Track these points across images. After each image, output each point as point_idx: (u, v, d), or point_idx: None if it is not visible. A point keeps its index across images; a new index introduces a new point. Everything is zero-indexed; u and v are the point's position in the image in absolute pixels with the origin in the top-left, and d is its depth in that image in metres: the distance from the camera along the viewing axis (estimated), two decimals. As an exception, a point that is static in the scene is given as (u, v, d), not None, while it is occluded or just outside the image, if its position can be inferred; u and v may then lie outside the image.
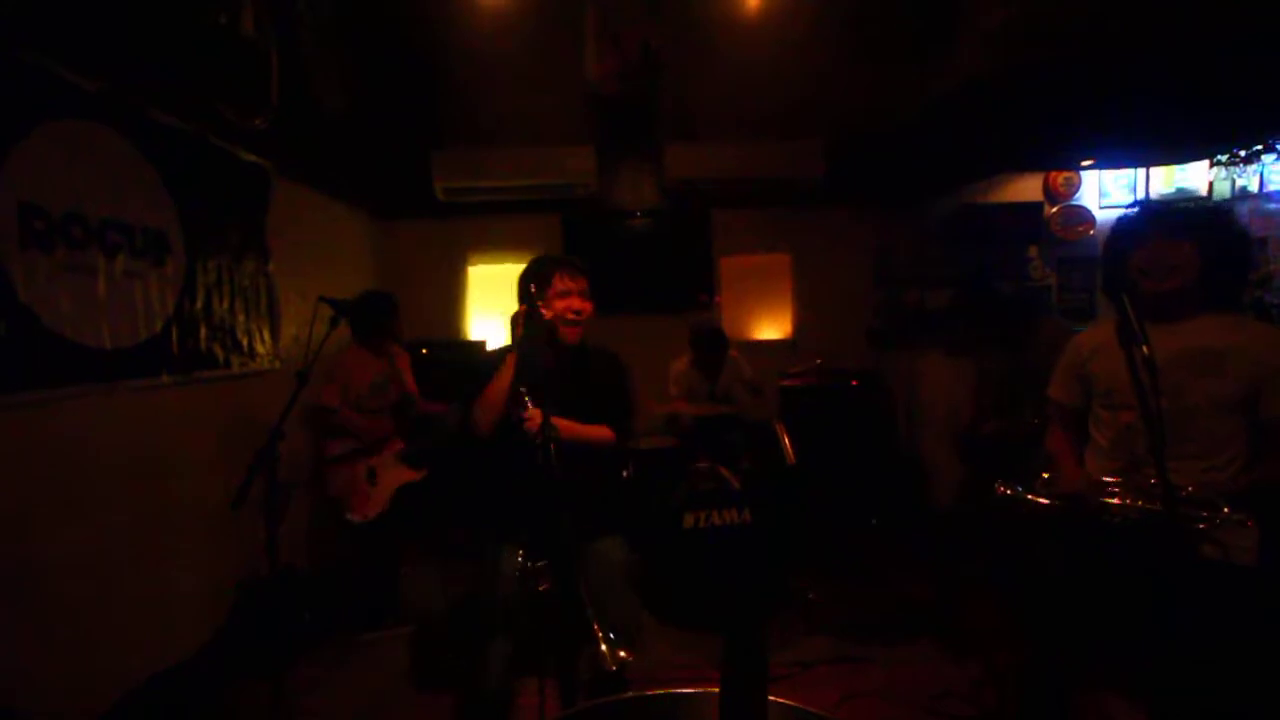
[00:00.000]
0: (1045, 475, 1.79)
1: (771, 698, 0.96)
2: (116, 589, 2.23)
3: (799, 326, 5.10)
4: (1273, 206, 3.92)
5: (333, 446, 3.22)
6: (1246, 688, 1.48)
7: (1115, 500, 1.58)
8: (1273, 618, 1.48)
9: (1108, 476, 1.65)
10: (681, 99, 4.41)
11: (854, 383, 4.49)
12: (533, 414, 1.75)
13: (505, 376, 1.83)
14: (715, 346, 3.73)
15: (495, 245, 4.94)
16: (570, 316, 1.91)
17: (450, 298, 4.96)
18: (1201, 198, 4.26)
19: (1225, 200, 4.26)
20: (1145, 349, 1.29)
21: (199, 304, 2.67)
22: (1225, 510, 1.45)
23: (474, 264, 4.99)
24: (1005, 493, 1.78)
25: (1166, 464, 1.29)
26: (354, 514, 3.15)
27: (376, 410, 3.27)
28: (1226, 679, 1.48)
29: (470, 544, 3.35)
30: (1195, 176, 4.37)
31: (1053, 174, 4.53)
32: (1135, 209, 1.70)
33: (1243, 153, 3.96)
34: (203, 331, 2.69)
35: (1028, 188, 4.57)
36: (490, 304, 4.98)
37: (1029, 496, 1.75)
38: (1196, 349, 1.55)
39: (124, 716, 2.16)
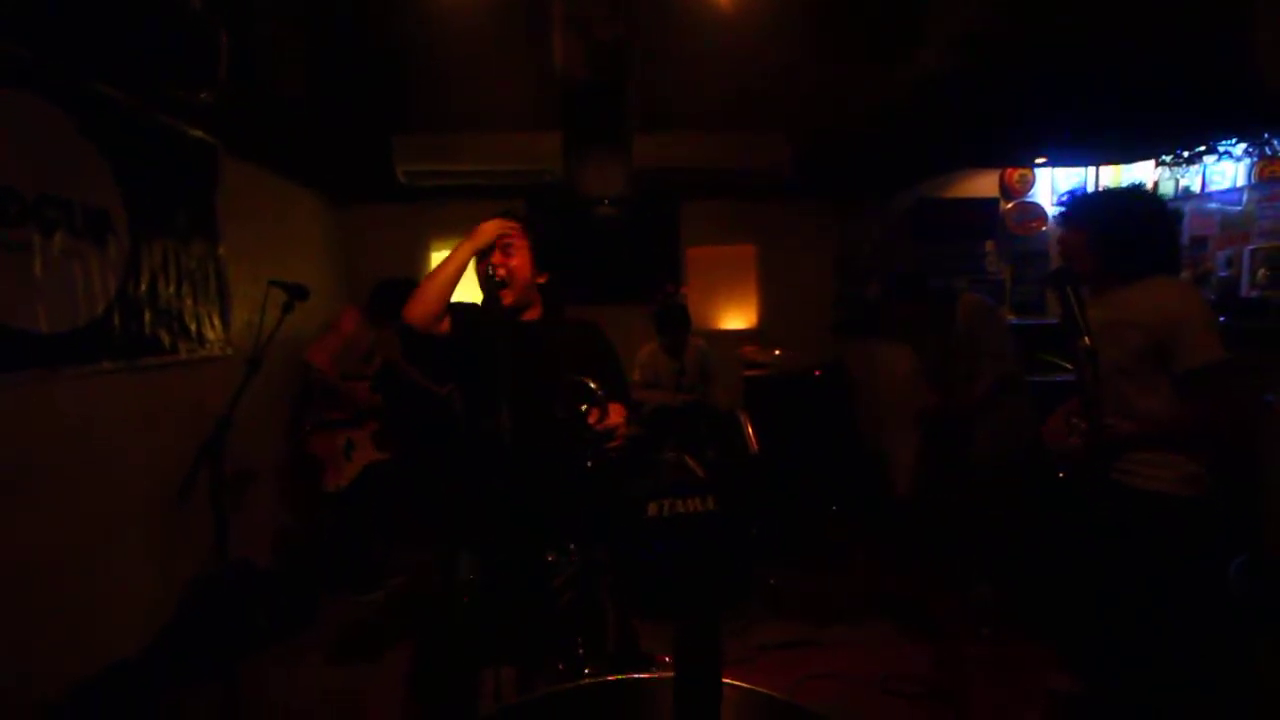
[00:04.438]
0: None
1: (726, 680, 0.97)
2: (55, 585, 2.14)
3: (764, 317, 5.16)
4: (1212, 206, 4.10)
5: (314, 412, 3.33)
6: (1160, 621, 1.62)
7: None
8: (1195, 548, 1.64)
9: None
10: (650, 88, 4.38)
11: (816, 373, 4.57)
12: (615, 414, 1.52)
13: (462, 253, 1.61)
14: (678, 324, 3.79)
15: (459, 230, 4.79)
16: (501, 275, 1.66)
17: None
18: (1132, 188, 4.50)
19: (1168, 197, 4.44)
20: (1087, 340, 1.34)
21: (144, 287, 2.56)
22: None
23: (437, 249, 4.90)
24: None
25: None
26: (328, 482, 3.27)
27: (359, 376, 3.39)
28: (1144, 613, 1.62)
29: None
30: (1142, 176, 4.54)
31: (1009, 171, 4.65)
32: (1070, 200, 1.83)
33: (1185, 154, 4.12)
34: (148, 315, 2.59)
35: (985, 184, 4.68)
36: (455, 290, 4.89)
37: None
38: (1113, 320, 1.65)
39: (64, 715, 2.08)
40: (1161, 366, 1.62)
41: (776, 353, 4.51)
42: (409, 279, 3.48)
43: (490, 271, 1.56)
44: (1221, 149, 3.88)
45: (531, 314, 1.71)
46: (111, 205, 2.41)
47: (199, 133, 2.91)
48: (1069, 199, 1.83)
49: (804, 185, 4.78)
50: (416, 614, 2.96)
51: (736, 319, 5.16)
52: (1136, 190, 1.85)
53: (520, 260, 1.64)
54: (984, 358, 2.91)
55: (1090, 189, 4.55)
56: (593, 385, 1.51)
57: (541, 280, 1.70)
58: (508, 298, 1.61)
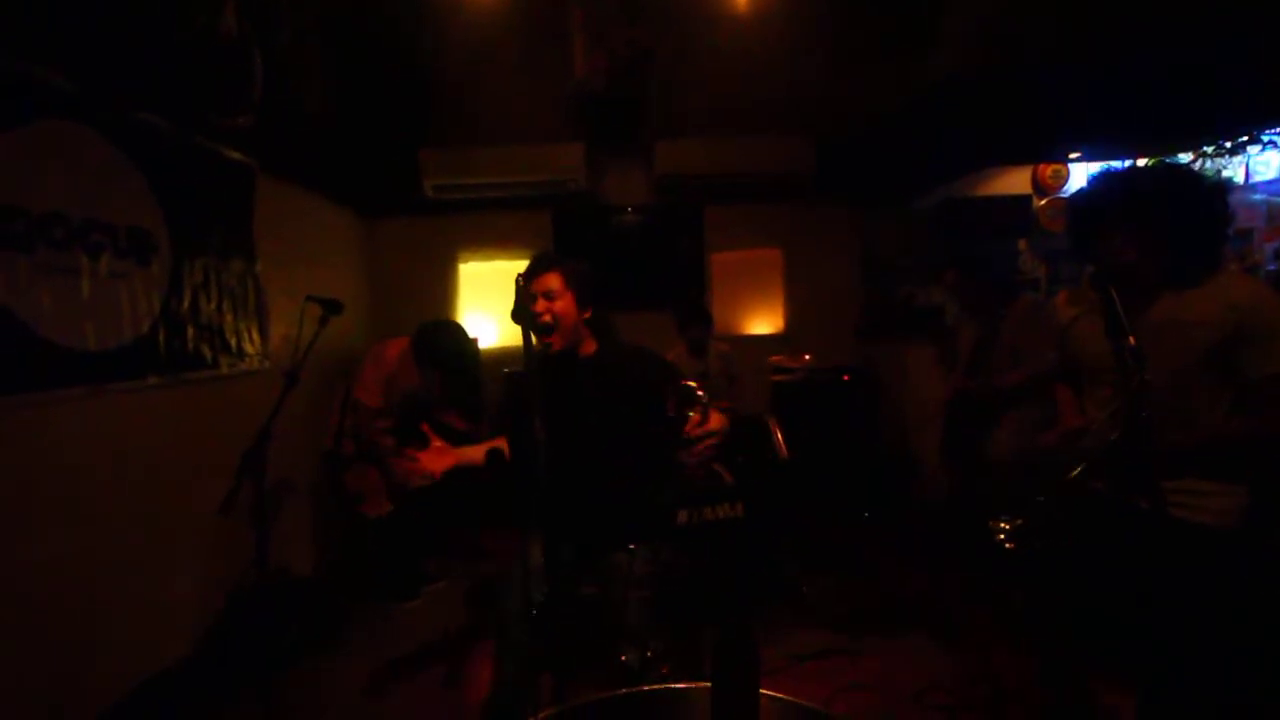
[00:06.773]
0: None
1: (763, 691, 0.96)
2: (102, 595, 2.21)
3: (790, 321, 5.12)
4: (1257, 197, 3.95)
5: (348, 445, 3.35)
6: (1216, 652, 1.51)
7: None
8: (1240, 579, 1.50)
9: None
10: (671, 95, 4.40)
11: (845, 377, 4.52)
12: (715, 420, 1.53)
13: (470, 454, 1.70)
14: (699, 318, 3.82)
15: (486, 242, 4.92)
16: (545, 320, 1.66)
17: (442, 296, 4.93)
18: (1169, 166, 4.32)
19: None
20: (1132, 340, 1.29)
21: (186, 304, 2.65)
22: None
23: (465, 261, 4.97)
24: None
25: (1151, 438, 1.30)
26: (369, 510, 3.30)
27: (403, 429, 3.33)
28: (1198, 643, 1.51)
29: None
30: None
31: (1041, 167, 4.54)
32: (1095, 185, 1.66)
33: (1228, 144, 3.98)
34: (190, 332, 2.67)
35: (1016, 181, 4.58)
36: (482, 302, 4.96)
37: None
38: (1175, 320, 1.51)
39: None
40: (1226, 374, 1.47)
41: (805, 358, 4.49)
42: (450, 322, 3.54)
43: (535, 318, 1.57)
44: (1265, 138, 3.74)
45: (586, 349, 1.74)
46: (154, 226, 2.49)
47: (237, 154, 3.00)
48: (1103, 184, 1.62)
49: (829, 187, 4.74)
50: (490, 609, 2.94)
51: (762, 324, 5.13)
52: (1188, 173, 1.64)
53: (564, 304, 1.66)
54: (1026, 355, 2.85)
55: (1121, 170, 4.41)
56: (699, 392, 1.53)
57: (587, 316, 1.72)
58: (557, 342, 1.63)
